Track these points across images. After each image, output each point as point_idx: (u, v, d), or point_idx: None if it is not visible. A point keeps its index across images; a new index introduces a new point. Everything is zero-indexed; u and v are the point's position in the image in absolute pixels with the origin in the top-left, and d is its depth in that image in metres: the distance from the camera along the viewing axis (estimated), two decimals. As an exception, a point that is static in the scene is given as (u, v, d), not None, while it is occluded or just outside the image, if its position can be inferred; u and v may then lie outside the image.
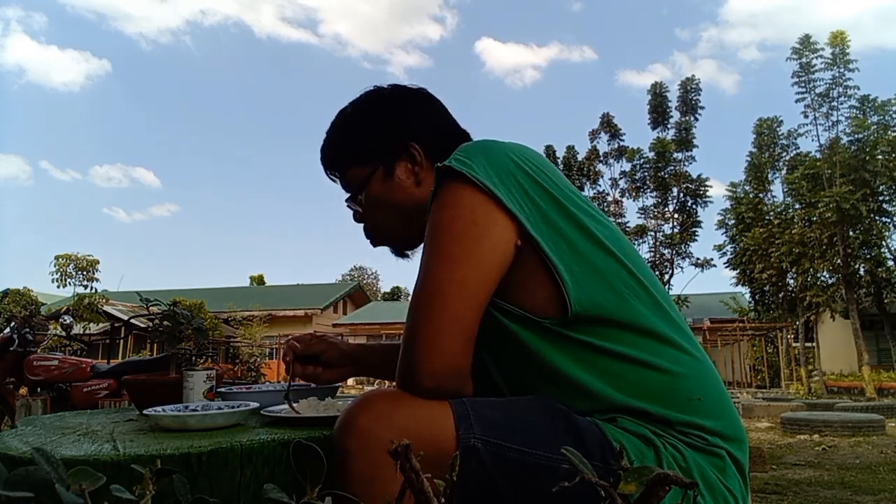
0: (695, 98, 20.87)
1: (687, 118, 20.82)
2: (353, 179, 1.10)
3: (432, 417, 0.80)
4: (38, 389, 4.56)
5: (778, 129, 19.32)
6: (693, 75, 21.28)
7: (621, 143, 21.70)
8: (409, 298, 0.90)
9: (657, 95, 21.09)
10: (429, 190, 1.01)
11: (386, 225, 1.11)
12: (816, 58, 17.01)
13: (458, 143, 1.07)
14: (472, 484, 0.77)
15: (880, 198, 16.87)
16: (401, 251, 1.17)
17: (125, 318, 15.50)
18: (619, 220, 21.94)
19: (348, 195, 1.12)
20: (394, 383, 0.89)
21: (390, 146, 1.06)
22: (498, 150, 0.90)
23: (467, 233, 0.85)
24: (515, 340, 0.89)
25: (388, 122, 1.08)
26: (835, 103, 16.96)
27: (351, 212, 1.15)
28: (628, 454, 0.79)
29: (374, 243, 1.16)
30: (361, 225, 1.15)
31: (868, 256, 16.87)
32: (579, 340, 0.86)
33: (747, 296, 21.69)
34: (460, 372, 0.86)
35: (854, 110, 16.76)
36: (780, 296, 19.14)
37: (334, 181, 1.15)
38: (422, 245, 1.10)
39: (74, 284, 14.47)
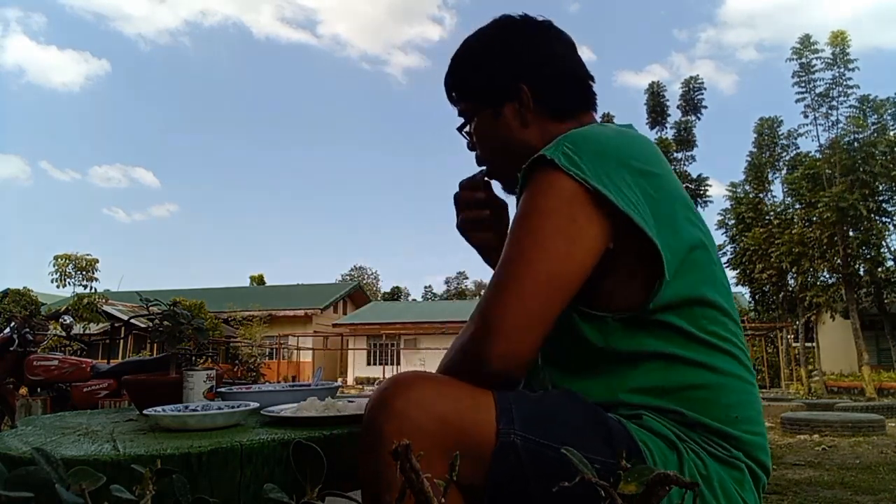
0: (698, 97, 20.88)
1: (689, 117, 20.83)
2: (464, 111, 1.11)
3: (475, 408, 0.78)
4: (38, 389, 4.56)
5: (778, 129, 19.33)
6: (697, 75, 21.31)
7: (621, 143, 21.67)
8: (496, 272, 0.86)
9: (655, 95, 21.09)
10: (536, 132, 1.03)
11: (491, 160, 1.11)
12: (816, 58, 17.02)
13: (578, 88, 1.07)
14: (507, 480, 0.76)
15: (880, 198, 16.87)
16: (508, 188, 1.15)
17: (125, 318, 15.50)
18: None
19: (460, 124, 1.13)
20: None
21: (501, 86, 1.05)
22: (608, 143, 0.89)
23: (566, 228, 0.84)
24: (571, 331, 0.89)
25: (503, 61, 1.06)
26: (834, 103, 16.99)
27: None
28: (653, 456, 0.79)
29: (487, 175, 1.16)
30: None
31: (868, 256, 16.86)
32: (648, 334, 0.86)
33: (747, 296, 21.69)
34: (529, 362, 0.84)
35: (854, 110, 16.77)
36: (780, 296, 19.15)
37: (454, 106, 1.15)
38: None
39: (74, 284, 14.49)
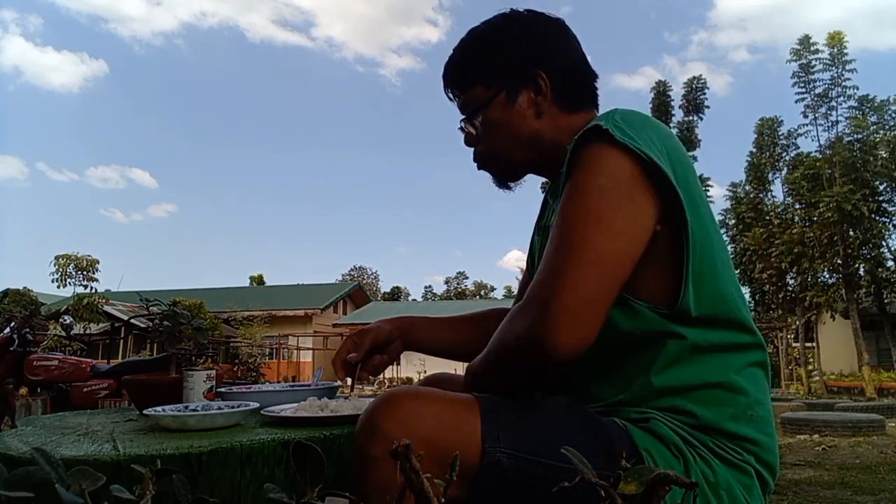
0: (700, 97, 20.88)
1: (691, 117, 20.83)
2: (473, 99, 1.06)
3: (460, 426, 0.77)
4: (38, 389, 4.56)
5: (778, 129, 19.33)
6: (700, 75, 21.29)
7: (621, 144, 21.71)
8: (550, 252, 0.82)
9: (660, 94, 21.08)
10: (548, 123, 1.00)
11: (498, 150, 1.06)
12: (816, 59, 17.03)
13: (587, 83, 1.05)
14: (492, 499, 0.76)
15: (880, 198, 16.87)
16: (504, 181, 1.12)
17: (125, 318, 15.50)
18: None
19: (464, 116, 1.09)
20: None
21: (518, 71, 1.01)
22: (654, 123, 0.87)
23: (625, 206, 0.80)
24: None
25: (521, 47, 1.03)
26: (833, 103, 16.99)
27: (462, 135, 1.10)
28: (655, 464, 0.78)
29: (480, 166, 1.11)
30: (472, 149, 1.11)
31: (868, 256, 16.86)
32: (671, 332, 0.83)
33: (747, 296, 21.70)
34: (588, 347, 0.79)
35: (853, 110, 16.77)
36: (780, 296, 19.14)
37: (451, 100, 1.11)
38: (522, 178, 1.04)
39: (74, 284, 14.48)
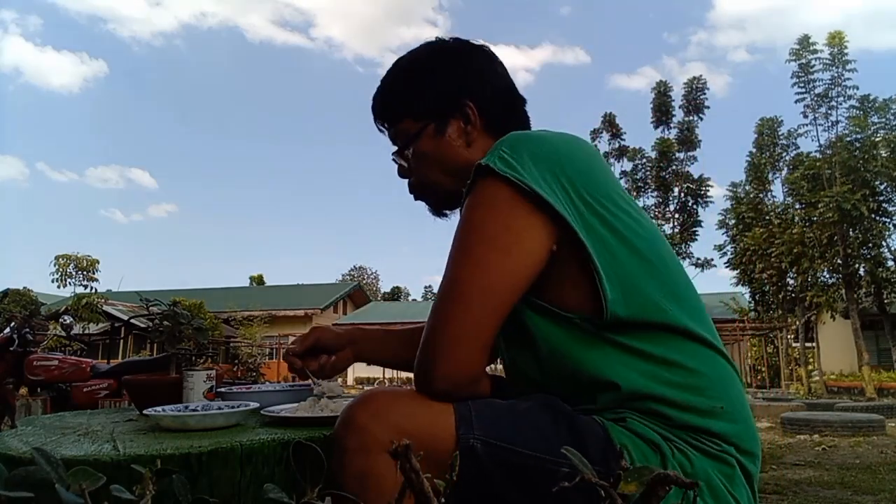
0: (700, 97, 20.88)
1: (691, 117, 20.83)
2: (402, 133, 1.07)
3: (433, 416, 0.80)
4: (38, 389, 4.55)
5: (778, 129, 19.32)
6: (700, 75, 21.30)
7: (622, 143, 21.73)
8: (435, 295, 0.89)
9: (661, 94, 21.07)
10: (478, 151, 1.00)
11: (430, 181, 1.08)
12: (815, 59, 17.02)
13: (514, 108, 1.06)
14: (469, 485, 0.77)
15: (880, 197, 16.86)
16: (439, 209, 1.14)
17: (125, 318, 15.49)
18: (619, 220, 21.88)
19: (396, 149, 1.10)
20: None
21: (446, 103, 1.03)
22: (546, 146, 0.87)
23: (500, 238, 0.83)
24: (542, 335, 0.88)
25: (447, 78, 1.04)
26: (833, 103, 16.98)
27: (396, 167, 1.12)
28: (631, 457, 0.78)
29: (417, 197, 1.13)
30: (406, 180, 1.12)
31: (868, 256, 16.85)
32: (610, 339, 0.85)
33: (747, 296, 21.67)
34: (474, 377, 0.86)
35: (854, 110, 16.76)
36: (780, 296, 19.13)
37: (382, 132, 1.12)
38: (458, 207, 1.04)
39: (74, 284, 14.48)
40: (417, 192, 1.12)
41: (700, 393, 0.84)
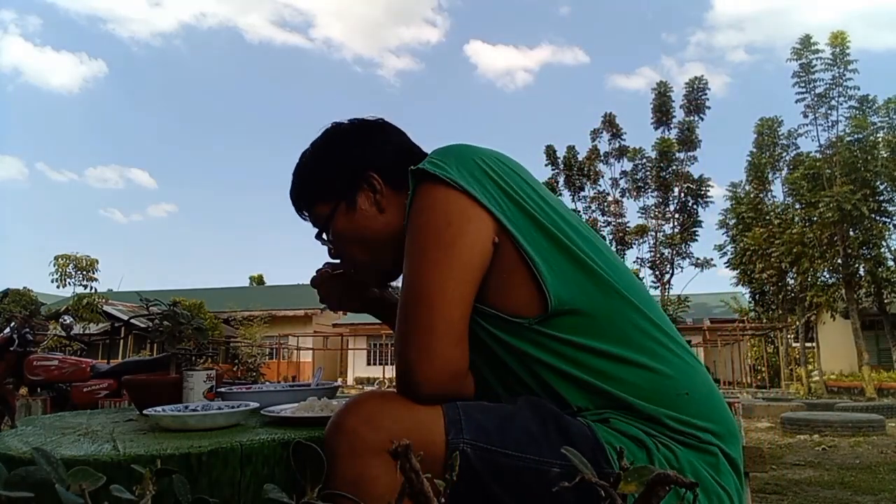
0: (701, 98, 20.89)
1: (692, 118, 20.84)
2: (318, 217, 1.11)
3: (422, 421, 0.81)
4: (38, 389, 4.56)
5: (778, 129, 19.33)
6: (701, 75, 21.33)
7: (622, 143, 21.74)
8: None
9: (661, 95, 21.08)
10: (394, 215, 1.04)
11: (358, 257, 1.11)
12: (816, 59, 17.01)
13: (417, 163, 1.08)
14: (461, 489, 0.76)
15: (880, 197, 16.86)
16: (380, 283, 1.19)
17: (125, 318, 15.49)
18: (620, 221, 21.95)
19: (317, 232, 1.14)
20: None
21: (348, 180, 1.07)
22: (469, 152, 0.93)
23: (443, 234, 0.87)
24: (498, 342, 0.89)
25: (344, 158, 1.09)
26: (834, 103, 16.98)
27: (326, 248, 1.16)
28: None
29: (354, 276, 1.18)
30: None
31: (868, 256, 16.85)
32: (560, 338, 0.86)
33: (747, 296, 21.70)
34: (458, 373, 0.87)
35: (854, 110, 16.76)
36: (780, 296, 19.14)
37: (305, 220, 1.16)
38: (398, 277, 1.07)
39: (74, 284, 14.49)
40: (353, 270, 1.17)
41: (661, 383, 0.85)
